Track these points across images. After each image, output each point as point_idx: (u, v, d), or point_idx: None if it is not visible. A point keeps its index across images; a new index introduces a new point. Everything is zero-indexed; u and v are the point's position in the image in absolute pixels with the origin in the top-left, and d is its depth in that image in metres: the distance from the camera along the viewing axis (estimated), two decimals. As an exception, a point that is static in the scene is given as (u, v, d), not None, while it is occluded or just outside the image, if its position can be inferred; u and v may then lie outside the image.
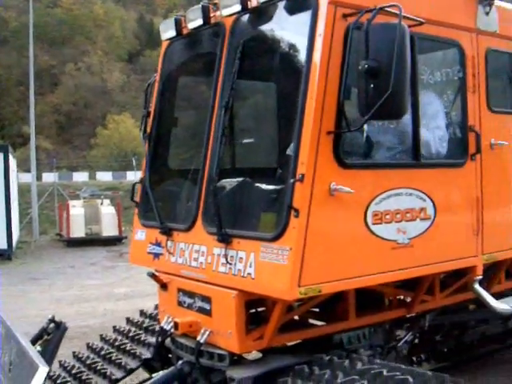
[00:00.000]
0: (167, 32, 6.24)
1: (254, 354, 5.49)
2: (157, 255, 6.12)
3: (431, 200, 5.42)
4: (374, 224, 4.97)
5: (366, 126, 5.26)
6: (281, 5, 5.08)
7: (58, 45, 56.72)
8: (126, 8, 68.85)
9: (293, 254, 4.53)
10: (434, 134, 5.67)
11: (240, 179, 5.46)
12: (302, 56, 4.78)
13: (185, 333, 5.55)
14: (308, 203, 4.56)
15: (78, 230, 28.33)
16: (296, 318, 5.91)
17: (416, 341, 8.19)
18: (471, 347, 8.94)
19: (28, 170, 36.81)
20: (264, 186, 5.19)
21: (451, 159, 5.83)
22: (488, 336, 8.94)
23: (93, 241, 28.32)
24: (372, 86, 4.40)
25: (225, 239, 5.07)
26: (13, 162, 28.79)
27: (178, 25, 6.10)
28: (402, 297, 6.29)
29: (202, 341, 5.31)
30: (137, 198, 6.52)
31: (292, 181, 4.57)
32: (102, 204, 30.38)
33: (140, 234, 6.43)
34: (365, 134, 5.46)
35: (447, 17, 5.60)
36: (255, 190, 5.28)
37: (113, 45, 62.74)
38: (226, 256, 5.06)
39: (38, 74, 53.88)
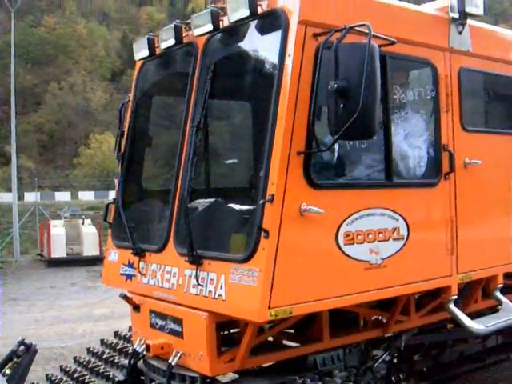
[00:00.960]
0: (140, 52, 6.22)
1: (231, 375, 5.43)
2: (129, 276, 6.05)
3: (404, 220, 5.38)
4: (345, 244, 4.92)
5: (337, 146, 5.23)
6: (252, 24, 5.06)
7: (41, 64, 56.58)
8: (110, 28, 68.91)
9: (262, 276, 4.47)
10: (407, 154, 5.66)
11: (212, 200, 5.42)
12: (272, 76, 4.74)
13: (157, 355, 5.47)
14: (278, 224, 4.51)
15: (58, 250, 28.14)
16: (270, 339, 5.85)
17: (395, 360, 8.20)
18: (450, 366, 8.89)
19: (10, 190, 36.55)
20: (235, 207, 5.15)
21: (424, 179, 5.80)
22: (467, 355, 8.94)
23: (74, 261, 28.16)
24: (341, 106, 4.37)
25: (196, 260, 5.01)
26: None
27: (151, 45, 6.08)
28: (377, 317, 6.24)
29: (173, 363, 5.24)
30: (110, 219, 6.46)
31: (262, 201, 4.52)
32: (83, 224, 30.24)
33: (113, 255, 6.37)
34: (336, 155, 5.44)
35: (420, 36, 5.60)
36: (226, 211, 5.23)
37: (96, 64, 62.67)
38: (196, 277, 5.00)
39: (20, 93, 53.70)
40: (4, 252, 32.91)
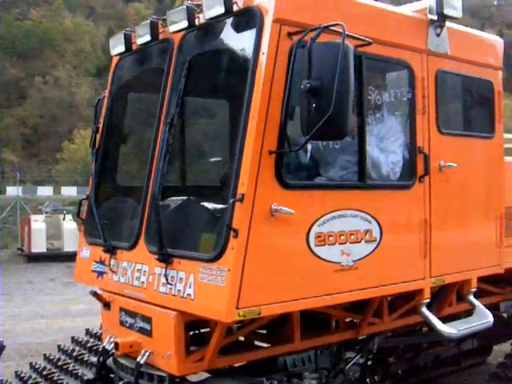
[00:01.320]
0: (117, 47, 6.16)
1: (204, 375, 5.38)
2: (100, 273, 5.99)
3: (377, 222, 5.35)
4: (316, 246, 4.87)
5: (309, 147, 5.19)
6: (228, 22, 5.01)
7: (26, 57, 56.15)
8: (96, 22, 68.51)
9: (231, 276, 4.43)
10: (382, 156, 5.63)
11: (183, 198, 5.37)
12: (246, 74, 4.68)
13: (126, 353, 5.42)
14: (248, 224, 4.46)
15: (39, 245, 27.96)
16: (242, 339, 5.81)
17: (369, 363, 8.19)
18: (425, 369, 8.91)
19: (-8, 184, 36.35)
20: (206, 206, 5.11)
21: (399, 181, 5.78)
22: (442, 358, 8.96)
23: (54, 256, 27.92)
24: (314, 105, 4.32)
25: (165, 259, 4.95)
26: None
27: (128, 40, 6.03)
28: (350, 319, 6.22)
29: (141, 362, 5.18)
30: (83, 215, 6.40)
31: (232, 201, 4.48)
32: (64, 219, 30.00)
33: (85, 252, 6.31)
34: (308, 155, 5.40)
35: (397, 37, 5.57)
36: (198, 210, 5.19)
37: (81, 59, 62.17)
38: (166, 276, 4.95)
39: (5, 87, 53.43)
40: (-16, 246, 32.68)
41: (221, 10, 4.85)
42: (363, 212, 5.25)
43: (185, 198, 5.42)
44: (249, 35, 4.77)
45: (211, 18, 4.99)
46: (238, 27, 4.97)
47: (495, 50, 6.67)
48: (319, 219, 4.90)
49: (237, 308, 4.44)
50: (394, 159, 5.76)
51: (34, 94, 53.78)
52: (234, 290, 4.43)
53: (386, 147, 5.69)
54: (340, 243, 5.05)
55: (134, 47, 6.03)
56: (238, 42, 5.01)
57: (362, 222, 5.25)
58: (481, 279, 6.94)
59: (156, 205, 5.03)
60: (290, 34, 4.70)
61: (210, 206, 5.06)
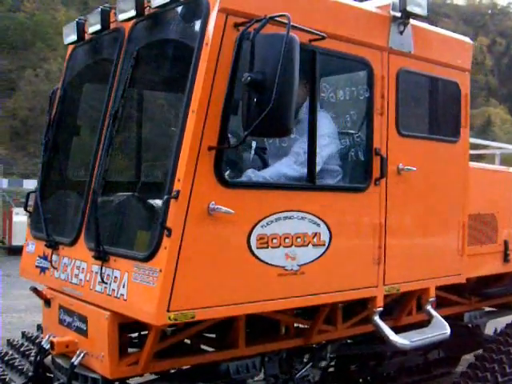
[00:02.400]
0: (69, 36, 5.95)
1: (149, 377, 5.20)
2: (43, 269, 5.78)
3: (326, 225, 5.10)
4: (258, 248, 4.64)
5: (254, 144, 4.97)
6: (176, 11, 4.80)
7: (18, 49, 55.77)
8: (90, 16, 67.92)
9: (162, 276, 4.20)
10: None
11: (123, 194, 5.15)
12: (189, 66, 4.46)
13: (61, 353, 5.19)
14: (182, 222, 4.24)
15: (19, 238, 27.58)
16: (187, 342, 5.60)
17: (331, 369, 8.02)
18: (389, 378, 8.75)
19: (-22, 176, 35.94)
20: (144, 202, 4.89)
21: (352, 183, 5.56)
22: (407, 367, 8.80)
23: (35, 250, 27.58)
24: (255, 100, 4.11)
25: (101, 256, 4.73)
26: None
27: (80, 29, 5.81)
28: (300, 325, 6.00)
29: (75, 362, 4.96)
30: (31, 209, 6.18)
31: (166, 197, 4.25)
32: (47, 213, 29.68)
33: (31, 246, 6.10)
34: (252, 152, 5.18)
35: (355, 33, 5.32)
36: (136, 206, 4.98)
37: (74, 52, 61.72)
38: (101, 274, 4.73)
39: (-5, 79, 53.10)
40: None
41: None
42: (311, 214, 5.00)
43: (124, 194, 5.19)
44: (194, 25, 4.57)
45: (159, 7, 4.78)
46: (185, 17, 4.75)
47: (464, 51, 6.44)
48: (262, 220, 4.66)
49: (168, 311, 4.22)
50: (347, 160, 5.55)
51: (25, 87, 53.32)
52: (165, 291, 4.20)
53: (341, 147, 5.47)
54: (284, 246, 4.81)
55: (87, 37, 5.82)
56: (185, 32, 4.79)
57: (310, 225, 5.00)
58: (445, 288, 6.76)
59: (94, 200, 4.80)
60: (236, 25, 4.48)
61: (147, 202, 4.84)
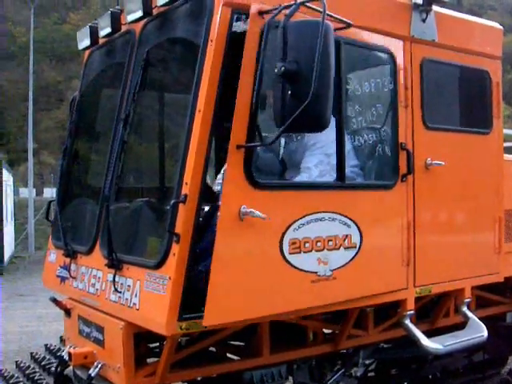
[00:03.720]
0: (83, 41, 5.85)
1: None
2: (63, 279, 5.69)
3: (357, 226, 4.80)
4: (290, 253, 4.34)
5: (283, 141, 4.73)
6: (183, 9, 4.63)
7: (65, 61, 56.81)
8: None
9: (172, 284, 4.03)
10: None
11: (137, 199, 5.01)
12: (195, 65, 4.28)
13: (81, 364, 5.07)
14: (191, 227, 4.06)
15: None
16: (213, 349, 5.42)
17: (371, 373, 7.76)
18: (432, 381, 8.44)
19: (29, 185, 36.61)
20: (155, 208, 4.74)
21: (379, 180, 5.28)
22: (451, 370, 8.48)
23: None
24: (290, 92, 3.82)
25: (114, 265, 4.59)
26: (8, 177, 28.70)
27: (94, 33, 5.69)
28: (330, 331, 5.76)
29: (92, 374, 4.82)
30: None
31: (173, 202, 4.06)
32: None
33: (52, 256, 6.03)
34: (282, 150, 4.95)
35: (377, 22, 5.08)
36: (148, 212, 4.82)
37: (119, 61, 62.54)
38: (114, 283, 4.59)
39: (44, 90, 54.06)
40: (19, 247, 32.86)
41: None
42: (342, 215, 4.70)
43: (139, 199, 5.04)
44: (200, 22, 4.38)
45: (164, 5, 4.63)
46: (191, 13, 4.57)
47: (493, 38, 6.11)
48: (293, 223, 4.37)
49: (178, 320, 4.05)
50: (374, 157, 5.29)
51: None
52: (174, 300, 4.03)
53: (365, 143, 5.21)
54: (317, 250, 4.51)
55: (101, 41, 5.71)
56: (191, 29, 4.60)
57: (341, 227, 4.69)
58: (485, 288, 6.44)
59: (106, 207, 4.67)
60: (261, 13, 4.19)
61: (159, 208, 4.68)
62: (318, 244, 4.55)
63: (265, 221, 4.13)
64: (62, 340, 7.25)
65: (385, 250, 5.17)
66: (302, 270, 4.45)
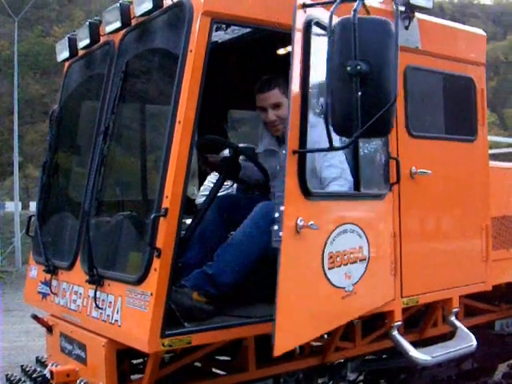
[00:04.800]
0: (62, 53, 5.78)
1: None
2: (45, 295, 5.59)
3: (366, 237, 4.59)
4: (329, 268, 4.14)
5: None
6: (161, 19, 4.56)
7: (49, 74, 56.53)
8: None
9: (154, 300, 3.93)
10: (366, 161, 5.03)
11: (117, 214, 4.91)
12: (175, 75, 4.20)
13: (64, 382, 4.95)
14: (172, 242, 3.97)
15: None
16: (198, 365, 5.33)
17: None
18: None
19: (14, 199, 36.38)
20: (136, 222, 4.64)
21: (378, 189, 5.09)
22: (440, 380, 8.43)
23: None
24: (359, 94, 3.62)
25: (95, 280, 4.49)
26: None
27: (73, 45, 5.61)
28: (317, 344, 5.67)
29: None
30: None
31: (153, 216, 3.97)
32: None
33: (33, 272, 5.93)
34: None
35: None
36: (127, 226, 4.73)
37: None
38: (95, 299, 4.49)
39: (29, 103, 53.81)
40: (6, 262, 32.62)
41: (149, 5, 4.41)
42: (357, 226, 4.50)
43: (120, 213, 4.95)
44: (179, 31, 4.30)
45: (142, 15, 4.56)
46: (170, 23, 4.50)
47: (477, 45, 6.07)
48: (330, 236, 4.18)
49: (161, 337, 3.96)
50: (375, 164, 5.19)
51: (57, 110, 54.03)
52: (156, 316, 3.94)
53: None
54: (344, 264, 4.31)
55: (80, 52, 5.63)
56: (171, 39, 4.53)
57: (357, 238, 4.49)
58: (473, 296, 6.38)
59: (86, 221, 4.58)
60: (304, 6, 4.02)
61: (139, 222, 4.59)
62: (345, 257, 4.34)
63: (313, 233, 3.92)
64: (37, 361, 7.05)
65: (380, 261, 5.04)
66: (335, 285, 4.25)
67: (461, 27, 6.09)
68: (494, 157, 6.32)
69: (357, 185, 4.66)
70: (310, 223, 3.84)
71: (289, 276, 3.76)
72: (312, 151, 4.06)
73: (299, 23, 3.98)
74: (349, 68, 3.60)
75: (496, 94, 72.55)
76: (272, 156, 5.44)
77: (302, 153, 3.93)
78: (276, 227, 3.67)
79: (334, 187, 4.64)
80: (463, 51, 5.87)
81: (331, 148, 3.89)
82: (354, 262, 4.45)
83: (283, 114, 5.09)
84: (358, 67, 3.58)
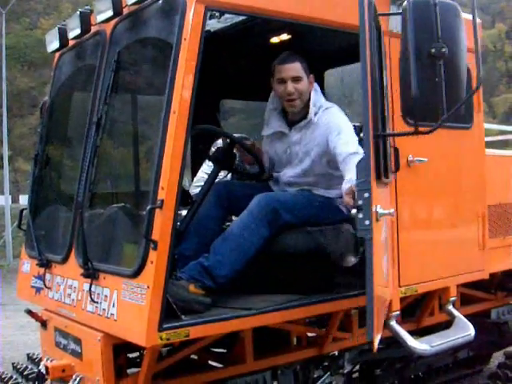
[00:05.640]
0: (52, 43, 5.67)
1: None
2: (38, 289, 5.51)
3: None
4: None
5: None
6: (155, 7, 4.48)
7: (37, 66, 56.04)
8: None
9: (151, 293, 3.87)
10: None
11: (112, 206, 4.84)
12: (169, 64, 4.13)
13: (58, 378, 4.89)
14: (170, 234, 3.91)
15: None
16: (194, 357, 5.28)
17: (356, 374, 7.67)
18: (417, 381, 8.37)
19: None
20: (131, 214, 4.57)
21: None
22: (436, 368, 8.43)
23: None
24: (444, 77, 3.64)
25: (90, 274, 4.42)
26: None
27: (63, 35, 5.51)
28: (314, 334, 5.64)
29: None
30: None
31: (149, 207, 3.91)
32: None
33: (26, 266, 5.85)
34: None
35: (349, 17, 4.96)
36: (122, 219, 4.66)
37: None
38: (90, 293, 4.42)
39: (17, 96, 53.32)
40: (-4, 256, 32.54)
41: None
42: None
43: (115, 205, 4.88)
44: (173, 20, 4.23)
45: (135, 3, 4.48)
46: (164, 11, 4.42)
47: (470, 31, 6.00)
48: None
49: (159, 330, 3.90)
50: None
51: (46, 103, 53.65)
52: (154, 309, 3.87)
53: None
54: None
55: (71, 43, 5.53)
56: (164, 28, 4.45)
57: None
58: (469, 285, 6.36)
59: (80, 214, 4.51)
60: None
61: (135, 214, 4.53)
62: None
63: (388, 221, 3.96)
64: (29, 358, 7.00)
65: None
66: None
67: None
68: (486, 145, 6.23)
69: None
70: (391, 210, 3.84)
71: (378, 265, 3.73)
72: (396, 135, 4.15)
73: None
74: (433, 50, 3.62)
75: (484, 83, 72.53)
76: (279, 139, 5.36)
77: (383, 137, 3.92)
78: (361, 215, 3.60)
79: (351, 161, 4.58)
80: None
81: (416, 132, 3.86)
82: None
83: (301, 89, 5.11)
84: (444, 49, 3.60)
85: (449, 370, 8.73)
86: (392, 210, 3.88)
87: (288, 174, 5.28)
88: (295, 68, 5.13)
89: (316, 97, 5.21)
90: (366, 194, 3.58)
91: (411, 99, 3.75)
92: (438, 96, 3.65)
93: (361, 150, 4.67)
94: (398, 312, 5.25)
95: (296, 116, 5.21)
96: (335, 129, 4.98)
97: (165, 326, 3.93)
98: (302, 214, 4.98)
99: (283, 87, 5.15)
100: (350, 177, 4.44)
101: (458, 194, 5.77)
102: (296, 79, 5.13)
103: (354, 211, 3.66)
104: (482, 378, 8.50)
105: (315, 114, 5.13)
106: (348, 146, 4.83)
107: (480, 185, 5.94)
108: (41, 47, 61.14)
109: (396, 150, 5.04)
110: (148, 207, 3.91)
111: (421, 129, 3.84)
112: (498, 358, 9.01)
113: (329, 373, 5.76)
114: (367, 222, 3.56)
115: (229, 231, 4.73)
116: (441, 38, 3.63)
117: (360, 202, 3.61)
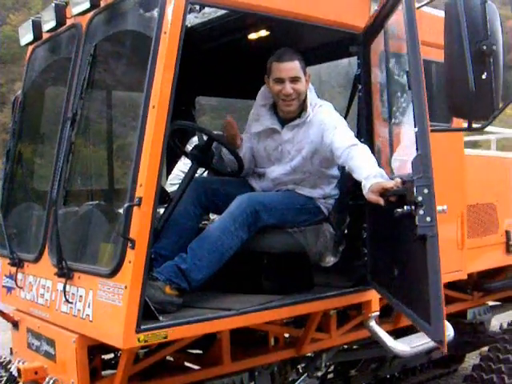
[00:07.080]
0: (25, 36, 5.48)
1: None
2: (10, 289, 5.36)
3: None
4: None
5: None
6: (132, 0, 4.37)
7: (6, 63, 55.31)
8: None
9: (128, 294, 3.75)
10: None
11: (87, 203, 4.72)
12: (147, 58, 4.01)
13: (31, 380, 4.74)
14: (148, 232, 3.79)
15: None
16: (171, 359, 5.17)
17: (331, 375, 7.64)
18: (392, 381, 8.39)
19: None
20: (107, 212, 4.46)
21: None
22: (410, 368, 8.46)
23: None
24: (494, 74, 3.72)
25: (64, 273, 4.29)
26: None
27: (37, 27, 5.34)
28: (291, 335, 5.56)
29: None
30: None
31: (127, 205, 3.79)
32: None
33: (-3, 265, 5.66)
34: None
35: (334, 15, 4.91)
36: (98, 217, 4.54)
37: (63, 63, 61.17)
38: (65, 293, 4.29)
39: (-14, 93, 52.53)
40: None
41: None
42: None
43: (90, 203, 4.76)
44: (153, 13, 4.12)
45: None
46: (143, 5, 4.30)
47: None
48: None
49: (136, 332, 3.79)
50: None
51: (15, 100, 52.94)
52: (132, 310, 3.76)
53: None
54: None
55: (45, 36, 5.38)
56: (143, 21, 4.33)
57: None
58: (446, 285, 6.32)
59: (54, 211, 4.38)
60: None
61: (111, 211, 4.41)
62: None
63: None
64: (12, 352, 6.81)
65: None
66: None
67: (437, 13, 5.96)
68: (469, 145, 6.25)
69: None
70: (444, 207, 3.82)
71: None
72: (449, 130, 3.94)
73: None
74: (485, 47, 3.65)
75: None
76: (270, 136, 5.20)
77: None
78: (422, 212, 3.52)
79: (357, 155, 4.58)
80: (439, 37, 5.76)
81: (469, 128, 3.95)
82: None
83: (300, 89, 4.96)
84: (494, 47, 3.64)
85: (424, 369, 8.77)
86: (445, 207, 3.82)
87: (277, 170, 5.14)
88: (294, 68, 4.94)
89: (311, 96, 5.10)
90: (426, 190, 3.54)
91: (465, 96, 3.76)
92: (492, 92, 3.70)
93: (359, 143, 4.70)
94: (377, 312, 5.21)
95: (290, 114, 5.09)
96: (330, 125, 4.86)
97: (143, 327, 3.81)
98: (282, 216, 4.89)
99: (281, 87, 4.94)
100: (370, 172, 4.34)
101: (438, 193, 5.71)
102: (294, 79, 4.96)
103: (398, 210, 3.62)
104: (458, 377, 8.53)
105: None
106: (346, 140, 4.72)
107: (459, 184, 5.91)
108: (10, 43, 60.35)
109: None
110: (126, 205, 3.79)
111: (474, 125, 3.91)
112: (471, 357, 9.08)
113: (306, 374, 5.70)
114: (429, 219, 3.50)
115: (207, 232, 4.60)
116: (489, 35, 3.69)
117: (420, 199, 3.54)
